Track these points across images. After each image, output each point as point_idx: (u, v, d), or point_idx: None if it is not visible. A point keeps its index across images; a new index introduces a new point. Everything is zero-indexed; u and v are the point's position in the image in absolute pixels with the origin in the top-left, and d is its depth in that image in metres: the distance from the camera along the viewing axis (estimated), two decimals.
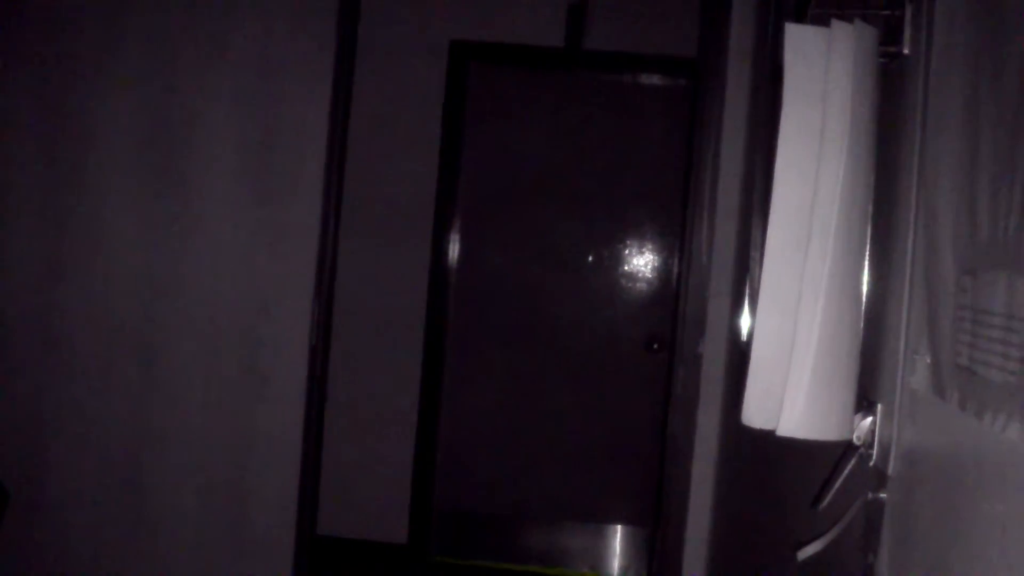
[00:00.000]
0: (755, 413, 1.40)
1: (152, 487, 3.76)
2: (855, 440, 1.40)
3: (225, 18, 3.75)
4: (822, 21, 1.36)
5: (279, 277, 3.77)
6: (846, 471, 1.45)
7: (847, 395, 1.36)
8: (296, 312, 3.78)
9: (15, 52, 3.70)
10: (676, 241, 4.81)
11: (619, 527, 5.11)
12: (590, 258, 5.01)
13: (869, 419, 1.40)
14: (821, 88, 1.32)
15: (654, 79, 5.07)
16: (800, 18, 1.50)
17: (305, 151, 3.77)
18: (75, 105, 3.72)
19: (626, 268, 5.00)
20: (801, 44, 1.34)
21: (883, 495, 1.36)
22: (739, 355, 2.72)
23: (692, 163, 4.20)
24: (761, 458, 2.42)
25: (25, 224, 3.73)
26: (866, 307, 1.44)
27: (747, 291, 2.67)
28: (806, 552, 1.48)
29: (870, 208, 1.40)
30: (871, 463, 1.40)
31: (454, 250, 4.99)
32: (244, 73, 3.74)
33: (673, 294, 4.76)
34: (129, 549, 3.75)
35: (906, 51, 1.40)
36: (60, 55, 3.72)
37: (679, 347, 4.03)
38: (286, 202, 3.77)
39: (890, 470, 1.34)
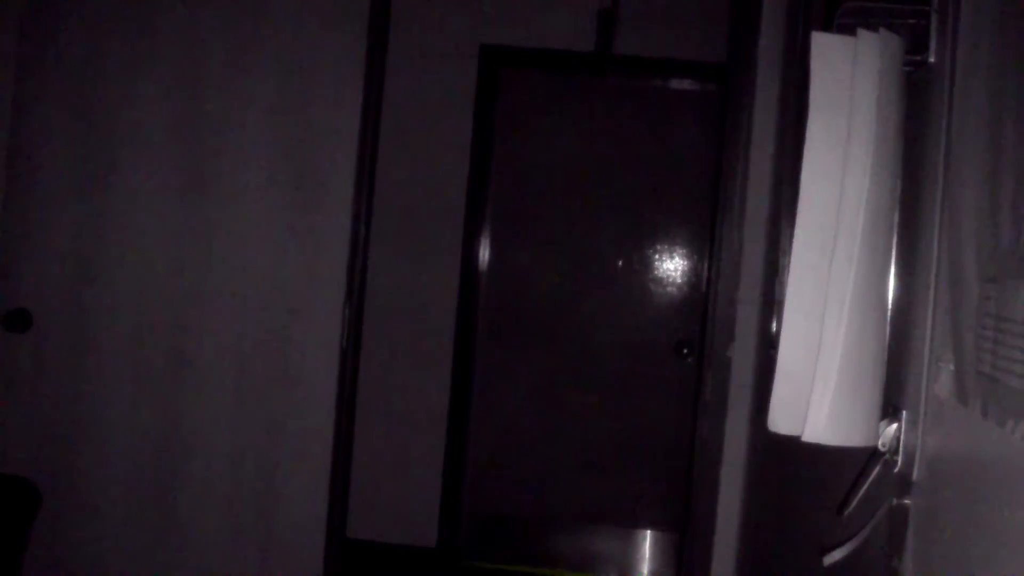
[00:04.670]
0: (781, 419, 1.41)
1: (182, 489, 3.79)
2: (880, 446, 1.40)
3: (256, 22, 3.78)
4: (848, 30, 1.37)
5: (310, 280, 3.79)
6: (871, 477, 1.45)
7: (872, 401, 1.37)
8: (327, 315, 3.80)
9: (47, 56, 3.74)
10: (705, 246, 4.80)
11: (648, 532, 5.11)
12: (620, 263, 5.02)
13: (894, 425, 1.40)
14: (847, 96, 1.33)
15: (684, 84, 5.07)
16: (826, 27, 1.51)
17: (336, 155, 3.79)
18: (106, 108, 3.76)
19: (656, 273, 5.00)
20: (827, 52, 1.35)
21: (908, 501, 1.36)
22: (768, 360, 2.72)
23: (722, 168, 4.20)
24: (788, 464, 2.43)
25: (57, 227, 3.77)
26: (891, 314, 1.44)
27: (776, 296, 2.67)
28: (832, 557, 1.49)
29: (895, 215, 1.41)
30: (896, 469, 1.40)
31: (484, 254, 5.00)
32: (275, 77, 3.77)
33: (702, 299, 4.76)
34: (159, 550, 3.78)
35: (931, 60, 1.40)
36: (91, 58, 3.76)
37: (708, 352, 4.03)
38: (317, 205, 3.80)
39: (915, 476, 1.35)
